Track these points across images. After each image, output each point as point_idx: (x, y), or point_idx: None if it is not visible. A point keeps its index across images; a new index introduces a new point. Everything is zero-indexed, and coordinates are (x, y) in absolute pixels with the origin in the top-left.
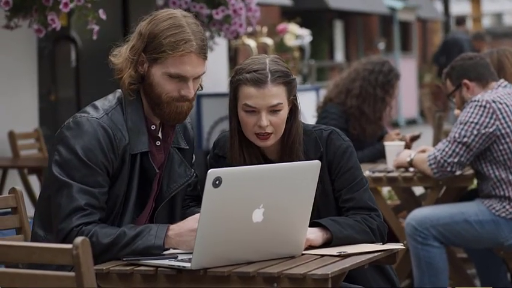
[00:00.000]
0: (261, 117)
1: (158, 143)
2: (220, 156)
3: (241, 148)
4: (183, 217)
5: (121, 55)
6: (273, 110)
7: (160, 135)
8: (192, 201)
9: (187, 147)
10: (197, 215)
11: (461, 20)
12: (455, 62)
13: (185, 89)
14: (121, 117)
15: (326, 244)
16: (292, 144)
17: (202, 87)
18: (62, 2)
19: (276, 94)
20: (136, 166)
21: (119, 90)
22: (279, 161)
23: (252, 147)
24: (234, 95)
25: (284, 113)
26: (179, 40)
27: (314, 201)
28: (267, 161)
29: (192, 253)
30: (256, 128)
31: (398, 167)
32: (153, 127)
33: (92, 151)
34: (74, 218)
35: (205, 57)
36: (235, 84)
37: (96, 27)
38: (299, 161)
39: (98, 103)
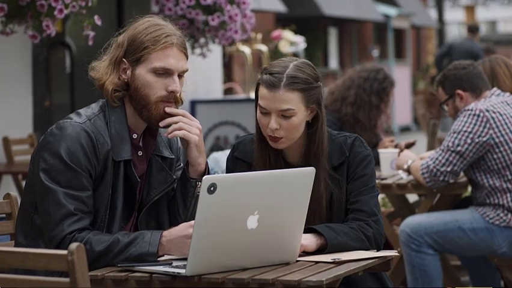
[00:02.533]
0: (271, 120)
1: (140, 153)
2: (239, 159)
3: (264, 149)
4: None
5: (100, 67)
6: (284, 114)
7: (141, 144)
8: None
9: (172, 156)
10: (188, 222)
11: (474, 29)
12: (448, 71)
13: (172, 85)
14: (103, 124)
15: (319, 250)
16: (316, 151)
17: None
18: (57, 8)
19: (288, 100)
20: (120, 174)
21: (102, 99)
22: (301, 166)
23: (275, 149)
24: (255, 93)
25: (297, 119)
26: (160, 34)
27: (330, 205)
28: (288, 164)
29: (186, 259)
30: (268, 130)
31: (398, 169)
32: (134, 136)
33: (75, 154)
34: (65, 224)
35: (186, 54)
36: (256, 84)
37: (91, 33)
38: (322, 167)
39: (82, 110)
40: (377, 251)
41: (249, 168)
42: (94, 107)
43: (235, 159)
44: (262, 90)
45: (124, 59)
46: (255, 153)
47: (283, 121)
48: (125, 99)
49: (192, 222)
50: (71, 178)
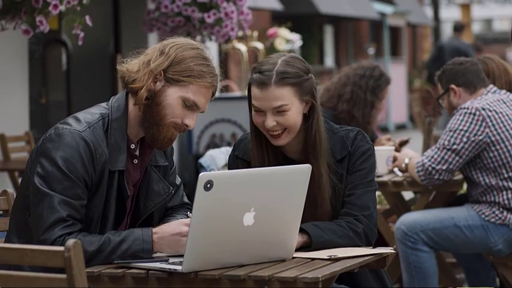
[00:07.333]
0: (266, 119)
1: (135, 161)
2: (239, 158)
3: (261, 146)
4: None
5: (134, 65)
6: (278, 111)
7: (137, 153)
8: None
9: (166, 163)
10: (181, 220)
11: (460, 27)
12: (447, 66)
13: (189, 119)
14: (102, 133)
15: (304, 248)
16: (314, 144)
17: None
18: (52, 4)
19: (280, 96)
20: (114, 184)
21: (103, 104)
22: (301, 160)
23: (273, 145)
24: (248, 94)
25: (292, 114)
26: (209, 72)
27: (333, 198)
28: (288, 160)
29: (182, 256)
30: (265, 128)
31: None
32: (132, 146)
33: (74, 164)
34: (56, 228)
35: (213, 98)
36: (248, 84)
37: (81, 33)
38: (322, 160)
39: (80, 115)
40: (369, 246)
41: (249, 166)
42: (94, 113)
43: (236, 158)
44: (254, 90)
45: (162, 71)
46: (251, 151)
47: (279, 117)
48: (134, 107)
49: (185, 220)
50: (67, 187)
